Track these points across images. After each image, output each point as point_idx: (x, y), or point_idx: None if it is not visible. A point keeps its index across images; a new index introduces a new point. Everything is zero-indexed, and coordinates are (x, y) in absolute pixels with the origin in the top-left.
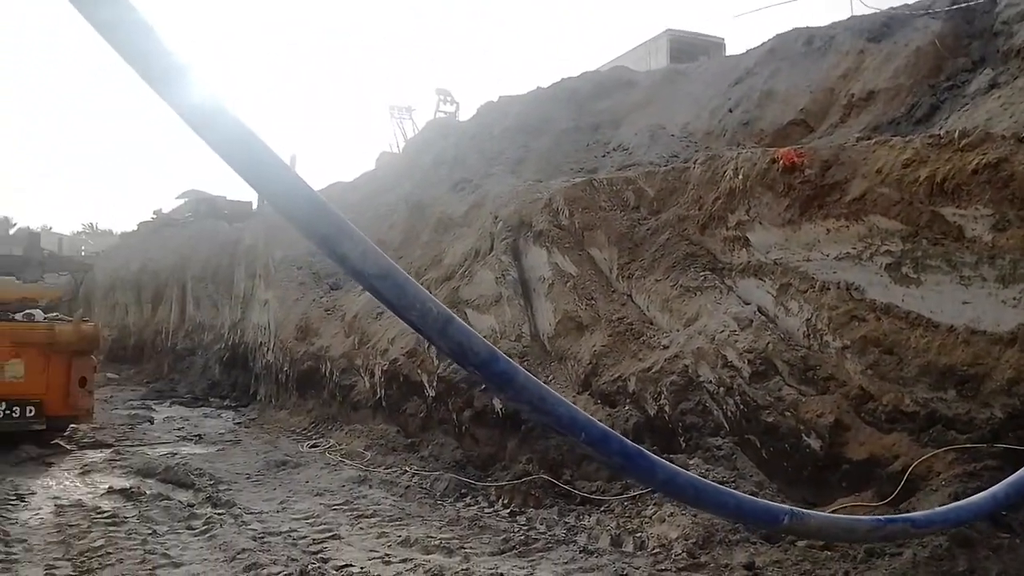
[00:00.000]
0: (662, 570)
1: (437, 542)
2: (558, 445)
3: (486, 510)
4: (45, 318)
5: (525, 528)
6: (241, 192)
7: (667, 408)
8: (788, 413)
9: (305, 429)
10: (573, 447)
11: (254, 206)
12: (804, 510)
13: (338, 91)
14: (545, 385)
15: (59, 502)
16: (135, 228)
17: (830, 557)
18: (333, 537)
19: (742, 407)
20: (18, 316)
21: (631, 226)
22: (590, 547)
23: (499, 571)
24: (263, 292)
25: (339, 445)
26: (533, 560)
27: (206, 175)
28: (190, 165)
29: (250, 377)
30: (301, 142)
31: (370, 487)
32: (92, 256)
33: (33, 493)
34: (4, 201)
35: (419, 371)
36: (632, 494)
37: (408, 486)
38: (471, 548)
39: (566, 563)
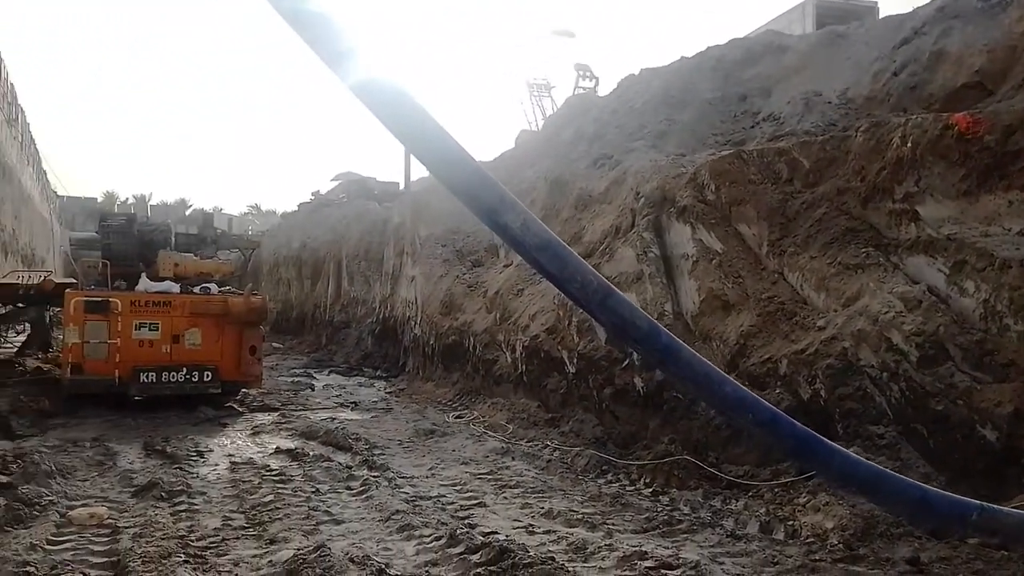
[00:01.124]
0: (816, 560)
1: (579, 516)
2: (703, 426)
3: (628, 488)
4: (219, 291)
5: (668, 508)
6: (390, 173)
7: (823, 393)
8: (960, 401)
9: (450, 400)
10: (719, 429)
11: (401, 186)
12: (996, 506)
13: (476, 70)
14: (710, 363)
15: (233, 459)
16: (295, 208)
17: (1007, 558)
18: (479, 505)
19: (908, 394)
20: (196, 289)
21: (783, 200)
22: (737, 532)
23: (643, 549)
24: (410, 269)
25: (482, 417)
26: (677, 541)
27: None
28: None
29: (399, 349)
30: (442, 121)
31: (513, 459)
32: (258, 234)
33: (211, 450)
34: (182, 184)
35: (559, 348)
36: (784, 480)
37: (549, 460)
38: (613, 524)
39: (712, 546)
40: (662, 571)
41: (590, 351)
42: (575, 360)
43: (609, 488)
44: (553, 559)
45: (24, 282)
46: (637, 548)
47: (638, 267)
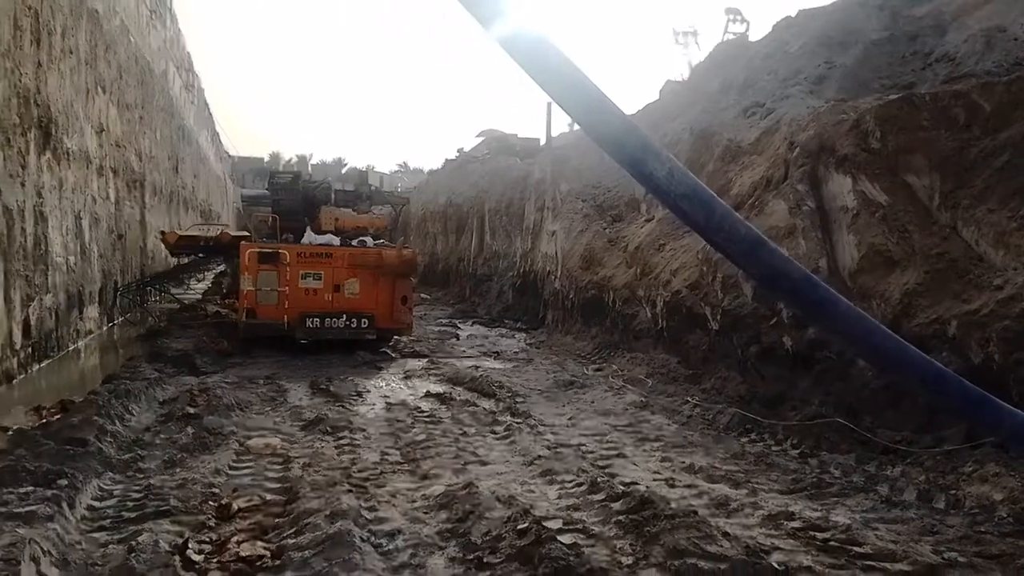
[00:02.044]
0: (981, 532)
1: (722, 473)
2: (858, 388)
3: (773, 448)
4: (374, 244)
5: (817, 471)
6: (532, 130)
7: (996, 357)
8: None
9: (589, 354)
10: (875, 391)
11: (542, 142)
12: None
13: (620, 19)
14: (871, 317)
15: (388, 400)
16: (441, 165)
17: None
18: (619, 456)
19: None
20: (354, 242)
21: (959, 148)
22: (893, 498)
23: (789, 509)
24: (551, 224)
25: (621, 371)
26: (827, 504)
27: (502, 115)
28: (488, 107)
29: (539, 303)
30: (586, 71)
31: (652, 413)
32: (407, 191)
33: (368, 391)
34: (338, 144)
35: (702, 303)
36: (947, 448)
37: (690, 416)
38: (758, 483)
39: (865, 511)
40: (810, 532)
41: (735, 307)
42: (718, 316)
43: (753, 447)
44: (695, 512)
45: (204, 234)
46: (783, 508)
47: (790, 221)
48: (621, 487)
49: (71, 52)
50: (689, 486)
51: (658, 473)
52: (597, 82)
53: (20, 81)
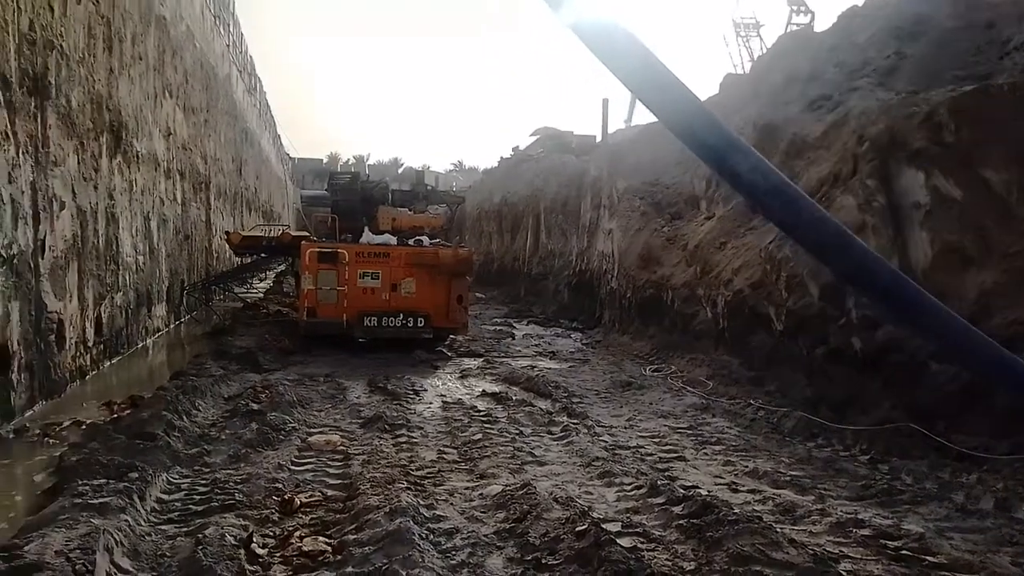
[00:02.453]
0: None
1: (787, 478)
2: (932, 392)
3: (841, 454)
4: (430, 243)
5: (888, 477)
6: (587, 127)
7: None
8: None
9: (647, 354)
10: (950, 395)
11: (598, 139)
12: None
13: (678, 9)
14: (965, 320)
15: (444, 399)
16: (496, 164)
17: None
18: (679, 458)
19: None
20: (410, 242)
21: None
22: (969, 506)
23: (859, 517)
24: (607, 222)
25: (680, 372)
26: (898, 511)
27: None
28: (543, 105)
29: (595, 302)
30: (665, 62)
31: (713, 415)
32: (462, 190)
33: (425, 390)
34: (395, 144)
35: (765, 303)
36: None
37: (753, 419)
38: (825, 489)
39: (939, 520)
40: (881, 540)
41: (800, 307)
42: (783, 317)
43: (820, 452)
44: (760, 518)
45: (266, 235)
46: (852, 515)
47: (860, 217)
48: (682, 491)
49: (140, 58)
50: (752, 491)
51: (720, 477)
52: (677, 73)
53: (93, 87)
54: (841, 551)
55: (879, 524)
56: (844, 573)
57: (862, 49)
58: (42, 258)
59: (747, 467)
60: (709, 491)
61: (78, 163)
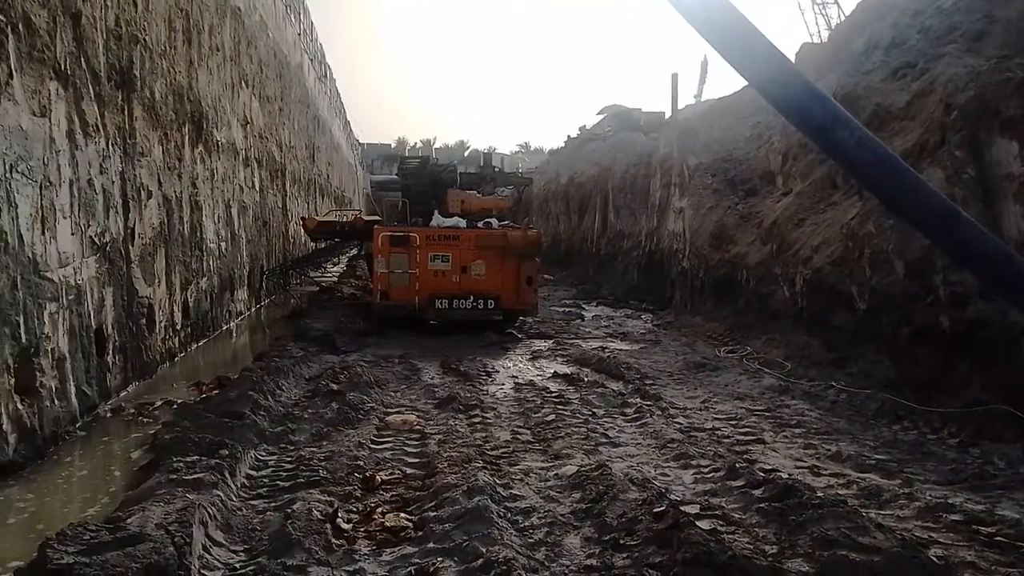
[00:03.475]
0: None
1: (872, 462)
2: None
3: (929, 437)
4: (499, 225)
5: (979, 461)
6: (656, 103)
7: None
8: None
9: (720, 335)
10: None
11: (667, 115)
12: None
13: None
14: None
15: (516, 380)
16: (562, 144)
17: None
18: (757, 441)
19: None
20: (479, 224)
21: None
22: None
23: (949, 501)
24: (677, 200)
25: (756, 353)
26: (991, 496)
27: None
28: (610, 82)
29: (665, 282)
30: (767, 34)
31: (792, 397)
32: (528, 171)
33: (496, 371)
34: (461, 127)
35: (847, 281)
36: None
37: (835, 401)
38: (912, 473)
39: None
40: (973, 526)
41: (885, 285)
42: (866, 296)
43: (906, 435)
44: (844, 503)
45: (340, 219)
46: (942, 500)
47: (949, 190)
48: (761, 474)
49: (217, 49)
50: (836, 474)
51: (801, 460)
52: (779, 47)
53: (175, 79)
54: (931, 536)
55: (971, 509)
56: (934, 559)
57: (948, 14)
58: (132, 245)
59: (829, 450)
60: (790, 474)
61: (163, 153)
